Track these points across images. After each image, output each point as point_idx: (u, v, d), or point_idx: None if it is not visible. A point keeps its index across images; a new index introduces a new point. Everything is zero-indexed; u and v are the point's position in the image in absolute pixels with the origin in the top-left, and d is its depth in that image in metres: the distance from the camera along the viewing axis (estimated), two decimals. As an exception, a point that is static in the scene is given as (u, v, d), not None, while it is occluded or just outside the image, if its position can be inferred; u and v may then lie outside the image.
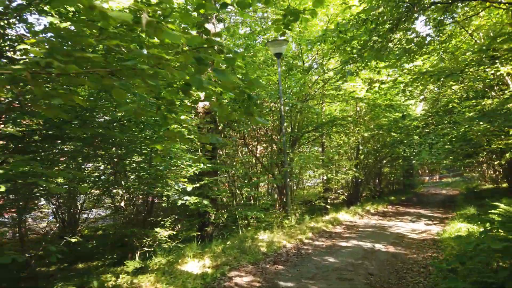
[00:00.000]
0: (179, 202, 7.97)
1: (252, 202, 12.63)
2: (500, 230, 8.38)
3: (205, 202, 7.80)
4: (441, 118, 16.61)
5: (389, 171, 25.52)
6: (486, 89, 11.28)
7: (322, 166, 14.23)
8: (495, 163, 14.55)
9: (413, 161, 27.00)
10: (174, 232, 7.30)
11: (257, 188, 13.32)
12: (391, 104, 14.31)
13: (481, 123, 12.70)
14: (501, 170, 21.88)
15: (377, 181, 23.83)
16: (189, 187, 8.17)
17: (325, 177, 16.83)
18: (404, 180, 25.48)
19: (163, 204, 8.37)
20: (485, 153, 18.14)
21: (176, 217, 9.39)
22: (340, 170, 15.90)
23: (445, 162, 22.24)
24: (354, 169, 14.55)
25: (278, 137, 13.34)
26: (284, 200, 12.94)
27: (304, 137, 15.67)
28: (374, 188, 23.62)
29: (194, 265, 5.43)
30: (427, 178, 32.90)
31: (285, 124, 13.80)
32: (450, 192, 24.53)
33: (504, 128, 11.41)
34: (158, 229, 7.07)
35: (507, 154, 9.76)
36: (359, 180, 19.01)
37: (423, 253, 6.89)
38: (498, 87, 11.32)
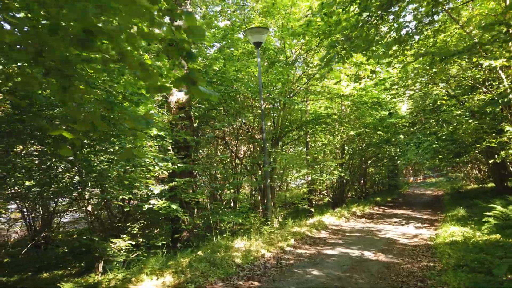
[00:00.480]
0: (145, 206, 6.99)
1: (232, 205, 11.74)
2: (497, 235, 7.73)
3: (174, 206, 6.84)
4: (428, 115, 16.09)
5: (374, 172, 25.02)
6: (477, 85, 10.70)
7: (306, 166, 13.45)
8: (489, 161, 14.00)
9: (398, 161, 26.61)
10: (133, 242, 6.31)
11: (238, 191, 12.42)
12: (378, 101, 13.63)
13: (470, 120, 12.17)
14: (486, 170, 21.61)
15: (362, 181, 23.26)
16: (157, 189, 7.21)
17: (309, 178, 16.10)
18: (389, 181, 25.00)
19: (125, 209, 7.36)
20: (472, 153, 17.77)
21: (145, 222, 8.42)
22: (325, 170, 15.17)
23: (432, 162, 21.83)
24: (340, 169, 13.81)
25: (261, 135, 12.51)
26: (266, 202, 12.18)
27: (288, 136, 14.87)
28: (359, 189, 23.04)
29: (151, 284, 4.47)
30: (412, 178, 32.66)
31: (268, 123, 12.97)
32: (435, 192, 24.17)
33: (496, 126, 10.86)
34: (115, 239, 6.08)
35: (502, 153, 9.13)
36: (345, 181, 18.34)
37: (418, 262, 6.10)
38: (489, 83, 10.78)
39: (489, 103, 9.50)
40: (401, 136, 15.74)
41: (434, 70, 10.66)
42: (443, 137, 16.55)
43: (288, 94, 12.44)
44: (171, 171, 7.83)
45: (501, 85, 9.32)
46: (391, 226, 10.13)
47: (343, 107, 16.36)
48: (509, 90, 9.33)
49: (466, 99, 11.97)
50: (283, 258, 6.46)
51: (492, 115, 12.05)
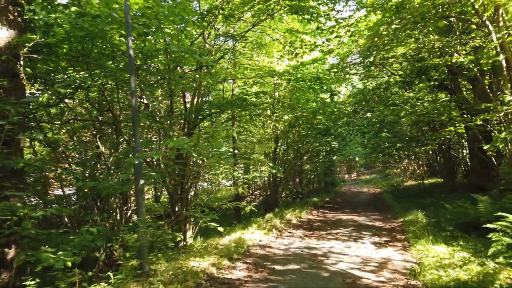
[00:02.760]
0: None
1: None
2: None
3: None
4: (373, 102, 13.38)
5: (310, 169, 22.26)
6: (447, 49, 7.85)
7: (226, 162, 9.72)
8: (484, 147, 11.60)
9: (335, 157, 24.25)
10: None
11: (125, 199, 8.19)
12: (318, 77, 10.37)
13: (441, 95, 9.47)
14: (425, 165, 19.98)
15: (298, 180, 20.29)
16: None
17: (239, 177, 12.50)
18: (326, 178, 22.41)
19: None
20: (413, 147, 15.63)
21: None
22: (253, 167, 11.56)
23: (373, 156, 19.58)
24: (270, 165, 10.28)
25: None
26: (177, 210, 8.62)
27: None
28: (294, 189, 19.99)
29: None
30: (347, 175, 30.97)
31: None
32: (372, 190, 22.13)
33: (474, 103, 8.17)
34: None
35: (504, 134, 6.22)
36: (278, 180, 15.00)
37: None
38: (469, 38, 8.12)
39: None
40: (342, 125, 12.76)
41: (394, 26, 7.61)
42: (387, 125, 14.05)
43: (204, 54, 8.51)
44: None
45: (487, 39, 6.47)
46: (341, 245, 6.76)
47: (276, 92, 12.92)
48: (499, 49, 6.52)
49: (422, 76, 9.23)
50: None
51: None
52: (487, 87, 7.64)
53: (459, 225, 7.50)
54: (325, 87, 11.27)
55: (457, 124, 8.25)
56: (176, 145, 4.48)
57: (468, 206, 8.65)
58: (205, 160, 7.39)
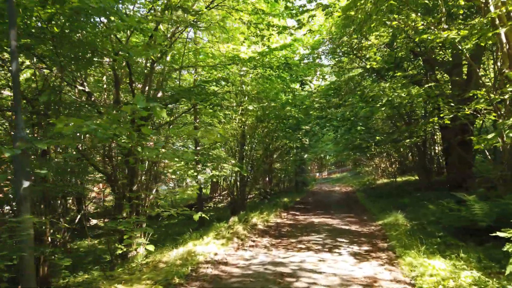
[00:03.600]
0: None
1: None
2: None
3: None
4: (345, 95, 12.29)
5: (280, 167, 21.06)
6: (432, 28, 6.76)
7: (187, 159, 8.22)
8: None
9: (306, 155, 23.23)
10: None
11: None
12: (287, 62, 9.08)
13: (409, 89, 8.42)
14: (397, 163, 19.30)
15: (267, 179, 19.02)
16: None
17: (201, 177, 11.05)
18: (296, 177, 21.30)
19: None
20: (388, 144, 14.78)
21: None
22: (212, 164, 10.11)
23: (345, 154, 18.64)
24: (233, 162, 8.88)
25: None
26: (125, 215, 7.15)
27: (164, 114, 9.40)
28: (263, 189, 18.69)
29: None
30: (318, 174, 30.14)
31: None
32: (343, 188, 21.26)
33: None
34: None
35: (494, 135, 5.10)
36: (246, 179, 13.63)
37: None
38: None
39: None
40: (315, 115, 11.55)
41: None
42: (361, 120, 13.02)
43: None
44: None
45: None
46: (314, 257, 5.46)
47: (243, 84, 11.51)
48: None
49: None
50: None
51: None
52: (477, 70, 6.62)
53: (449, 230, 6.44)
54: (295, 76, 9.99)
55: (441, 115, 7.22)
56: (72, 128, 2.94)
57: (453, 206, 7.65)
58: (155, 156, 5.85)
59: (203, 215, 4.88)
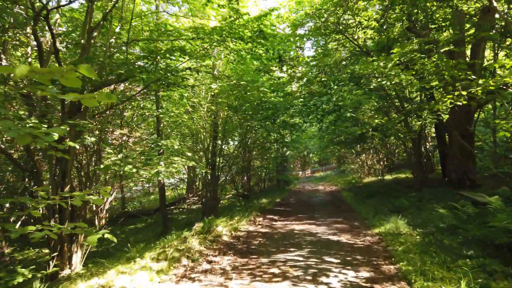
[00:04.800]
0: None
1: None
2: None
3: None
4: (329, 77, 10.45)
5: (260, 165, 19.15)
6: None
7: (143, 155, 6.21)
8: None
9: (288, 152, 21.39)
10: None
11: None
12: (261, 29, 7.16)
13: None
14: (385, 160, 17.67)
15: (246, 178, 17.07)
16: None
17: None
18: (278, 176, 19.41)
19: None
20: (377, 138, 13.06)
21: None
22: (176, 160, 8.08)
23: (330, 149, 16.89)
24: (189, 154, 6.86)
25: None
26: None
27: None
28: (240, 189, 16.74)
29: None
30: (301, 172, 28.37)
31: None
32: (328, 187, 19.50)
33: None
34: None
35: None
36: (218, 178, 11.67)
37: None
38: None
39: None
40: (297, 103, 9.66)
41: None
42: (349, 109, 11.18)
43: None
44: None
45: None
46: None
47: (215, 71, 9.51)
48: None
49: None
50: None
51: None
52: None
53: (475, 243, 4.65)
54: (272, 52, 8.07)
55: (456, 93, 5.46)
56: None
57: (469, 210, 5.91)
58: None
59: (106, 235, 2.92)
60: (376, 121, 7.26)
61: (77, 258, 6.64)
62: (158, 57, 6.78)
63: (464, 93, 5.35)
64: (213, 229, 7.10)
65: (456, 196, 7.99)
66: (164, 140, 7.56)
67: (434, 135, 14.04)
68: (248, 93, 8.45)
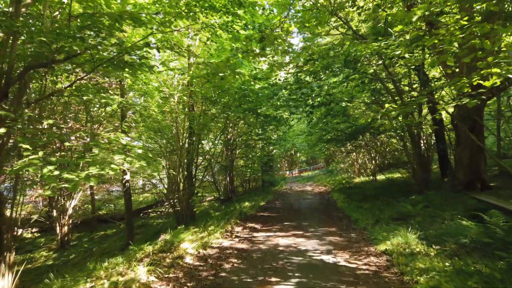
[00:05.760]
0: None
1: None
2: None
3: None
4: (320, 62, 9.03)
5: (245, 164, 17.62)
6: None
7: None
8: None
9: (274, 151, 19.93)
10: None
11: None
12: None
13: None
14: (377, 158, 16.37)
15: (228, 179, 15.51)
16: None
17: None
18: (263, 176, 17.92)
19: None
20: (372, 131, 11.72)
21: None
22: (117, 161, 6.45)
23: (319, 147, 15.52)
24: (139, 151, 5.23)
25: None
26: None
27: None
28: (222, 191, 15.17)
29: None
30: (288, 172, 27.00)
31: None
32: (317, 188, 18.10)
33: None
34: None
35: None
36: (192, 178, 10.12)
37: None
38: None
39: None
40: (283, 94, 8.16)
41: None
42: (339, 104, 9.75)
43: None
44: None
45: None
46: None
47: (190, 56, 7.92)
48: None
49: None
50: None
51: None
52: None
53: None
54: (251, 27, 6.55)
55: (487, 71, 4.09)
56: None
57: (500, 221, 4.52)
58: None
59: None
60: (386, 106, 5.88)
61: (7, 282, 5.07)
62: (103, 31, 5.17)
63: (497, 70, 3.96)
64: (177, 246, 5.55)
65: (471, 201, 6.66)
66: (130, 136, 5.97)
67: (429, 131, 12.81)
68: (224, 80, 6.91)
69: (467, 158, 8.00)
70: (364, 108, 12.49)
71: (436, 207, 6.95)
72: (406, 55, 5.59)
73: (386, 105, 4.76)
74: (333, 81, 10.23)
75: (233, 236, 6.58)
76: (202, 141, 10.80)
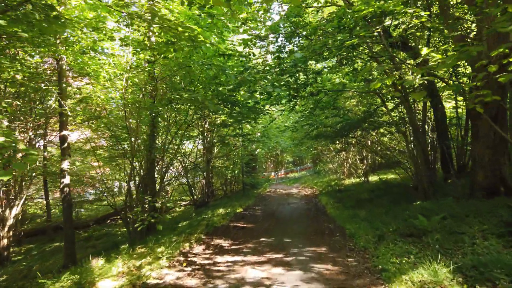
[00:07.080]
0: None
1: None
2: None
3: None
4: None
5: (224, 165, 15.71)
6: None
7: None
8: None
9: (257, 150, 18.08)
10: None
11: None
12: None
13: None
14: (369, 157, 14.69)
15: (204, 181, 13.57)
16: None
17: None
18: (244, 178, 16.01)
19: None
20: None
21: None
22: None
23: (309, 144, 13.75)
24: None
25: None
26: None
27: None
28: (196, 197, 13.19)
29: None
30: (273, 173, 25.15)
31: None
32: (303, 190, 16.29)
33: None
34: None
35: None
36: (142, 181, 8.17)
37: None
38: None
39: None
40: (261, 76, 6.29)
41: None
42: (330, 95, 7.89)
43: None
44: None
45: None
46: None
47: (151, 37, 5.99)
48: None
49: None
50: None
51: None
52: None
53: None
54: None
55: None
56: None
57: None
58: None
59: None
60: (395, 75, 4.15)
61: None
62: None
63: None
64: (94, 281, 3.61)
65: (502, 210, 4.93)
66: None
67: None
68: (178, 52, 5.01)
69: (488, 155, 6.30)
70: (356, 101, 10.76)
71: (457, 219, 5.20)
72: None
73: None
74: (322, 68, 8.50)
75: (185, 264, 4.66)
76: (175, 139, 8.83)
